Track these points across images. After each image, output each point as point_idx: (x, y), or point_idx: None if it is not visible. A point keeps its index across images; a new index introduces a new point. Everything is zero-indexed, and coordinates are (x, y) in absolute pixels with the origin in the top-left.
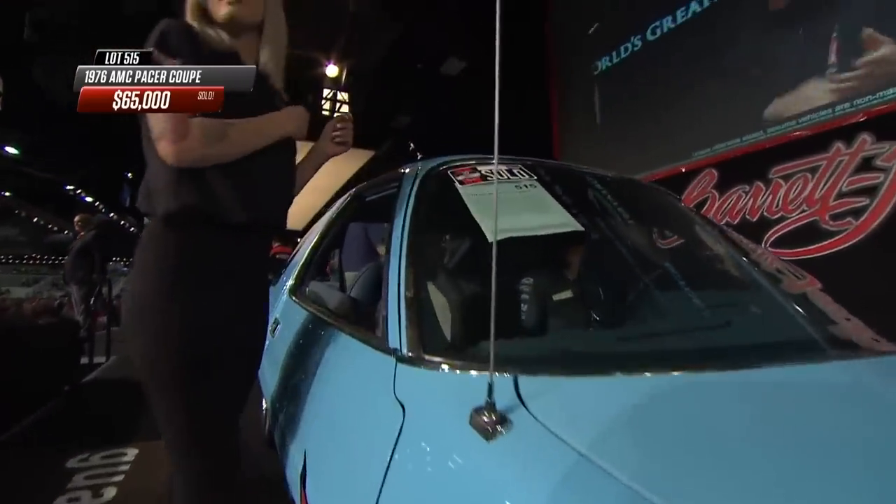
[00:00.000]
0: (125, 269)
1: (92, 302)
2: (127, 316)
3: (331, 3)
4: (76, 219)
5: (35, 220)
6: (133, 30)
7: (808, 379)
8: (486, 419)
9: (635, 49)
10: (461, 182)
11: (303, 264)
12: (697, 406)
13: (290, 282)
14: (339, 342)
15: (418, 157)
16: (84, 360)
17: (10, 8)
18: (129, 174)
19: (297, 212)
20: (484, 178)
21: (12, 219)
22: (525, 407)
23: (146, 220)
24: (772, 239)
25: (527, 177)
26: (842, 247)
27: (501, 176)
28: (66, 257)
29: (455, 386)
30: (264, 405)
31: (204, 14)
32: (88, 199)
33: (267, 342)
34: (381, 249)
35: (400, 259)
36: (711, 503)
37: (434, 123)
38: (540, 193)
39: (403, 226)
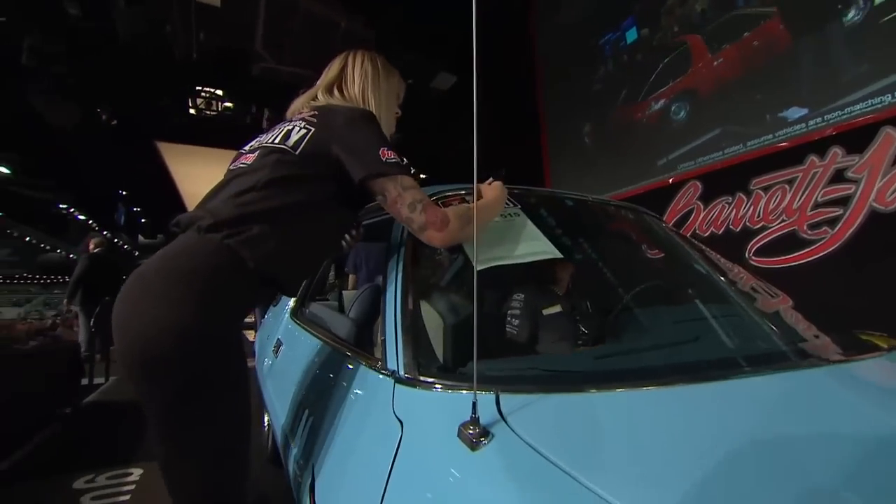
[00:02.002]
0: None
1: (92, 322)
2: (176, 343)
3: (320, 22)
4: (93, 241)
5: (27, 239)
6: (125, 54)
7: (772, 388)
8: (470, 432)
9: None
10: None
11: (303, 288)
12: (665, 418)
13: (291, 304)
14: (342, 365)
15: (412, 171)
16: (84, 381)
17: (8, 34)
18: (123, 192)
19: None
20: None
21: (4, 238)
22: (505, 421)
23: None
24: (755, 248)
25: (511, 205)
26: (821, 254)
27: None
28: (70, 278)
29: (446, 404)
30: (266, 424)
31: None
32: (81, 217)
33: (270, 362)
34: None
35: (396, 287)
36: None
37: (426, 139)
38: (522, 221)
39: (399, 255)
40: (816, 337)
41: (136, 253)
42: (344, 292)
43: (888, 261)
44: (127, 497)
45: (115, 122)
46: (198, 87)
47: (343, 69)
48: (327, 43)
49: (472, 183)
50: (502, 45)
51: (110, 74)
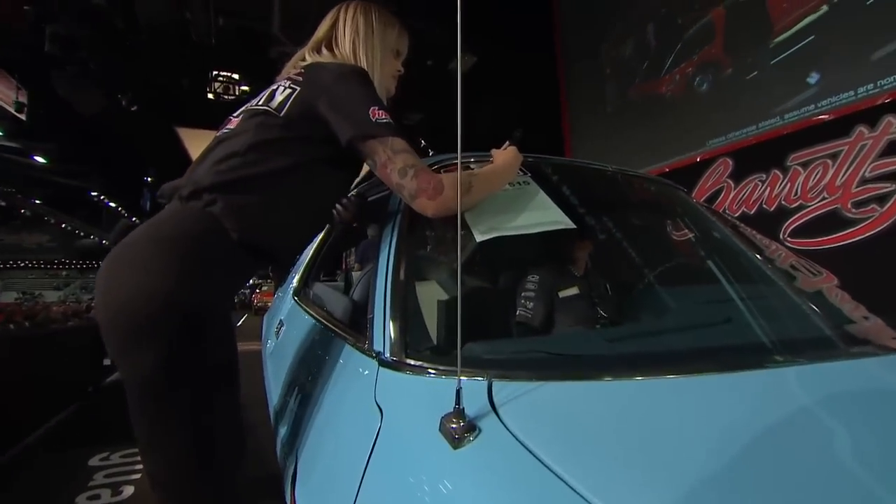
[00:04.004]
0: None
1: None
2: (157, 311)
3: (336, 3)
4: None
5: (63, 226)
6: (147, 40)
7: (805, 380)
8: (453, 426)
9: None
10: None
11: (306, 266)
12: (684, 413)
13: (295, 283)
14: (333, 346)
15: (430, 154)
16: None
17: (33, 23)
18: (149, 178)
19: None
20: None
21: (43, 226)
22: (496, 414)
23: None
24: (791, 228)
25: (520, 174)
26: (866, 235)
27: None
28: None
29: (430, 391)
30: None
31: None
32: (112, 204)
33: (272, 343)
34: None
35: (388, 261)
36: None
37: (445, 119)
38: (533, 190)
39: (393, 227)
40: (866, 318)
41: None
42: (354, 274)
43: None
44: (137, 476)
45: (134, 107)
46: (215, 72)
47: (334, 25)
48: None
49: (481, 151)
50: (524, 11)
51: (132, 60)
